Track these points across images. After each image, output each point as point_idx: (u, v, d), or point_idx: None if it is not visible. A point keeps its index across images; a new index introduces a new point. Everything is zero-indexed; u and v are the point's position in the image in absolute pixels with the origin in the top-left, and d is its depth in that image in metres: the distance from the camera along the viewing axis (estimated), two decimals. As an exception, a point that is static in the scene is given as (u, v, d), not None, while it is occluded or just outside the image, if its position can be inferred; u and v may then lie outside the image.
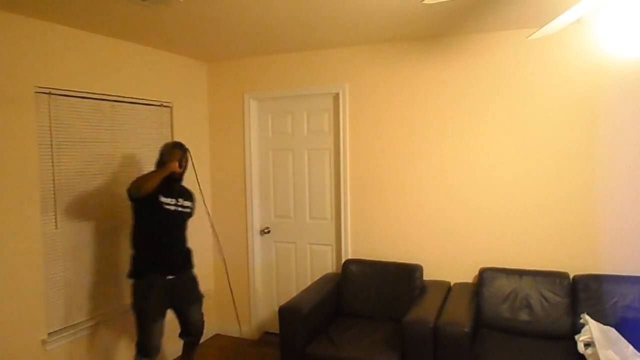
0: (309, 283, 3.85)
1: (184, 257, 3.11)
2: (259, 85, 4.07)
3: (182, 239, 3.09)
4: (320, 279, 3.69)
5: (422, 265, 3.45)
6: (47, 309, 2.90)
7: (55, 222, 2.95)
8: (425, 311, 2.90)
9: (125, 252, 3.43)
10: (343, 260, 3.69)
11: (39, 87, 2.83)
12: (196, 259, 4.25)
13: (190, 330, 3.21)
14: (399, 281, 3.40)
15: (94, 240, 3.22)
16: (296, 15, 2.85)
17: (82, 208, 3.12)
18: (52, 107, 2.92)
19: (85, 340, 3.13)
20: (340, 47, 3.72)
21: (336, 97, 3.81)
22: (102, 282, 3.28)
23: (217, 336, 4.23)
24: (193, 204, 3.18)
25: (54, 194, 2.94)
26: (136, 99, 3.52)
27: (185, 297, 3.10)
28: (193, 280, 3.16)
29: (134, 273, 2.93)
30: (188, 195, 3.14)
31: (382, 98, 3.63)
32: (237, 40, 3.47)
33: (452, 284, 3.43)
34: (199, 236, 4.17)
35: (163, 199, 2.92)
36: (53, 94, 2.92)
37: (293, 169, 4.05)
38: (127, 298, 3.45)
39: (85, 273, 3.16)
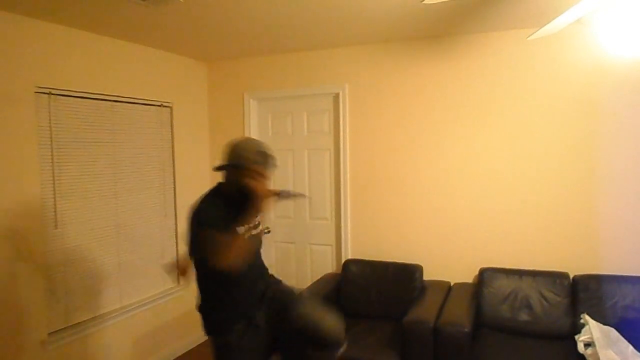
0: (309, 283, 3.84)
1: (265, 282, 2.32)
2: (259, 85, 4.06)
3: (262, 267, 2.35)
4: (320, 279, 3.69)
5: (422, 265, 3.45)
6: (47, 309, 2.90)
7: (55, 222, 2.95)
8: (425, 311, 2.90)
9: (124, 252, 3.43)
10: (343, 260, 3.69)
11: (39, 87, 2.83)
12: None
13: (320, 335, 2.20)
14: (399, 281, 3.39)
15: (94, 240, 3.21)
16: (296, 15, 2.85)
17: (82, 208, 3.12)
18: (52, 107, 2.92)
19: (85, 340, 3.13)
20: (340, 47, 3.72)
21: (336, 97, 3.81)
22: (102, 282, 3.28)
23: (217, 336, 4.22)
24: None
25: (54, 194, 2.94)
26: (136, 99, 3.51)
27: (280, 306, 2.24)
28: (277, 285, 2.34)
29: (213, 327, 2.18)
30: None
31: (382, 98, 3.63)
32: (237, 40, 3.47)
33: (452, 284, 3.43)
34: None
35: (241, 229, 2.05)
36: (53, 94, 2.92)
37: (293, 169, 4.04)
38: (127, 298, 3.45)
39: (85, 273, 3.16)
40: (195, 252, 2.06)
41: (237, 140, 2.13)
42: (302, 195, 2.22)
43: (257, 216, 2.11)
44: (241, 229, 2.05)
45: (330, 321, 2.21)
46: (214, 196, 2.12)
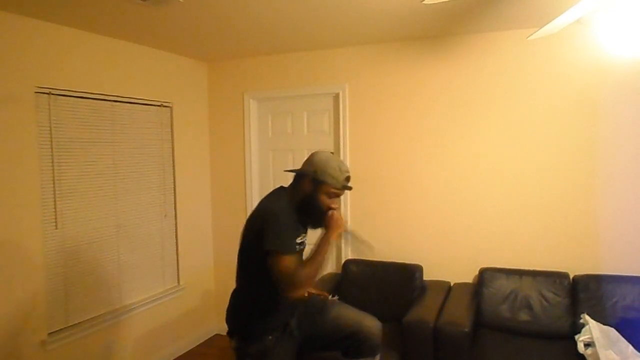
0: (309, 283, 3.84)
1: None
2: (259, 85, 4.06)
3: None
4: (320, 279, 3.68)
5: (422, 265, 3.44)
6: (47, 309, 2.90)
7: (55, 222, 2.95)
8: (425, 311, 2.90)
9: (124, 252, 3.43)
10: (343, 260, 3.69)
11: (39, 87, 2.83)
12: (196, 257, 4.24)
13: (359, 337, 2.16)
14: (399, 281, 3.39)
15: (94, 240, 3.21)
16: (296, 15, 2.85)
17: (82, 208, 3.12)
18: (52, 107, 2.92)
19: (85, 340, 3.13)
20: (340, 47, 3.72)
21: (336, 97, 3.81)
22: (102, 282, 3.28)
23: (217, 336, 4.23)
24: None
25: (54, 194, 2.94)
26: (136, 99, 3.51)
27: (314, 310, 2.21)
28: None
29: (252, 333, 2.07)
30: None
31: (382, 98, 3.63)
32: (237, 40, 3.47)
33: (452, 284, 3.43)
34: (198, 234, 4.17)
35: (299, 240, 2.06)
36: (53, 94, 2.92)
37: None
38: (127, 298, 3.45)
39: (86, 273, 3.16)
40: (259, 260, 1.94)
41: (322, 154, 2.09)
42: (367, 245, 2.20)
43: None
44: (299, 240, 2.05)
45: (371, 323, 2.18)
46: (288, 206, 2.03)
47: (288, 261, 1.88)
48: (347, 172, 2.06)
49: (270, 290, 1.99)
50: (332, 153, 2.11)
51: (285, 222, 1.95)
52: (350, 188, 2.08)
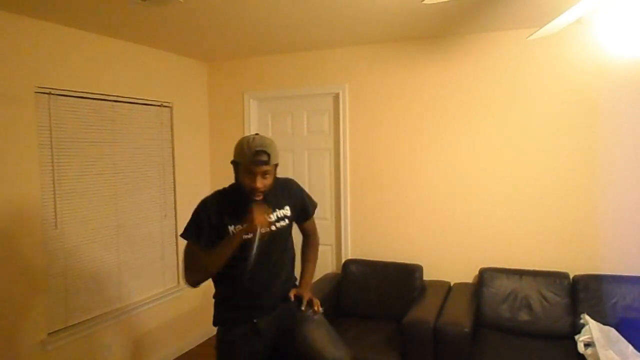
0: (309, 283, 3.84)
1: (283, 290, 2.20)
2: (259, 85, 4.06)
3: (278, 267, 2.18)
4: (320, 279, 3.69)
5: (422, 265, 3.44)
6: (47, 309, 2.90)
7: (55, 222, 2.95)
8: (425, 311, 2.90)
9: (124, 252, 3.43)
10: (343, 260, 3.69)
11: (39, 87, 2.83)
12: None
13: None
14: (399, 281, 3.39)
15: (94, 240, 3.21)
16: (296, 15, 2.85)
17: (82, 208, 3.12)
18: (52, 107, 2.92)
19: (85, 340, 3.13)
20: (340, 47, 3.72)
21: (336, 97, 3.81)
22: (102, 282, 3.28)
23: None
24: (292, 202, 2.20)
25: (54, 194, 2.94)
26: (136, 99, 3.51)
27: (290, 325, 2.13)
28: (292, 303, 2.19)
29: (217, 319, 2.20)
30: (280, 197, 2.14)
31: (382, 98, 3.63)
32: (237, 40, 3.47)
33: (452, 284, 3.43)
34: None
35: (234, 228, 2.01)
36: (53, 94, 2.92)
37: (293, 169, 4.04)
38: (127, 298, 3.46)
39: (85, 273, 3.16)
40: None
41: (243, 137, 2.03)
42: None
43: (267, 214, 2.04)
44: (234, 228, 2.00)
45: (334, 353, 2.02)
46: (223, 194, 2.10)
47: (186, 247, 2.06)
48: (258, 146, 1.92)
49: (226, 283, 2.13)
50: (255, 134, 2.05)
51: (199, 214, 2.04)
52: (259, 162, 1.91)
